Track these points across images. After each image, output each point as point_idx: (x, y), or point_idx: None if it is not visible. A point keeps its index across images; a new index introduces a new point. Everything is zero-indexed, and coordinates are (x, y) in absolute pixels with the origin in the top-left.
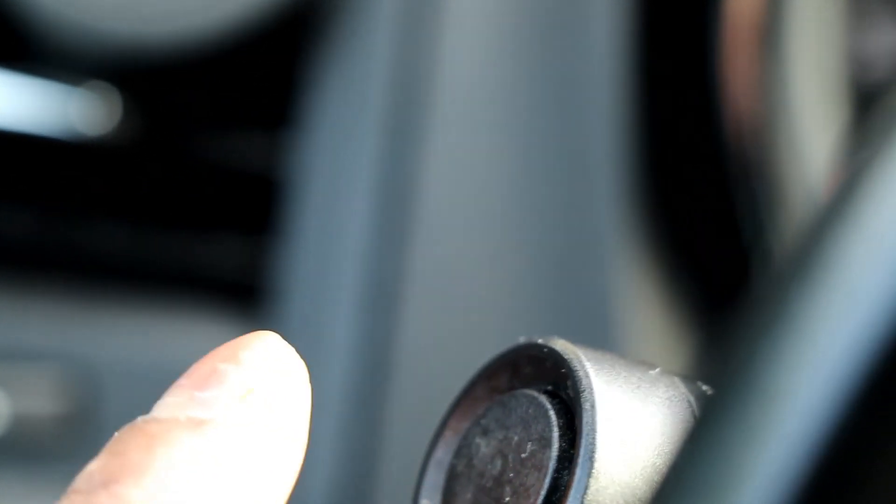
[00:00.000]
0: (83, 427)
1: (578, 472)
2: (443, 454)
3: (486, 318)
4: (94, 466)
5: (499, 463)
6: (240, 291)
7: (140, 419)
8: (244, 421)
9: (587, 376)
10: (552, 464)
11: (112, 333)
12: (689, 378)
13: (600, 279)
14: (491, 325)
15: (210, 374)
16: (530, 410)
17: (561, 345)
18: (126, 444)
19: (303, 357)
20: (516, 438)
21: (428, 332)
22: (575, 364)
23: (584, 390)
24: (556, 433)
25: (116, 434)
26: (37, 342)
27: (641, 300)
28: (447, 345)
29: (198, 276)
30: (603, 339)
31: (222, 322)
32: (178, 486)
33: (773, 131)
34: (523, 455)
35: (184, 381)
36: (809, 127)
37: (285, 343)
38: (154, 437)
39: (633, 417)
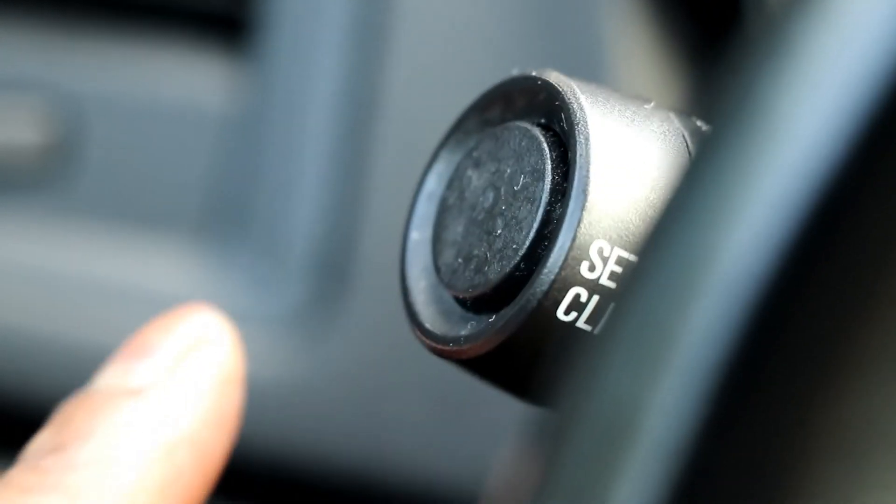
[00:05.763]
0: (67, 157)
1: (571, 204)
2: (434, 186)
3: (478, 52)
4: (41, 438)
5: (491, 195)
6: (226, 23)
7: (81, 391)
8: (174, 388)
9: (581, 109)
10: (545, 196)
11: (96, 64)
12: (684, 113)
13: (594, 17)
14: (483, 59)
15: (143, 345)
16: (523, 143)
17: (555, 77)
18: (70, 414)
19: (291, 88)
20: (508, 171)
21: (418, 66)
22: (569, 96)
23: (578, 123)
24: (549, 165)
25: (59, 407)
26: (19, 72)
27: (634, 38)
28: (438, 77)
29: (182, 6)
30: (595, 76)
31: (207, 55)
32: (120, 446)
33: None
34: (516, 188)
35: (120, 353)
36: None
37: (216, 315)
38: (96, 406)
39: (627, 151)
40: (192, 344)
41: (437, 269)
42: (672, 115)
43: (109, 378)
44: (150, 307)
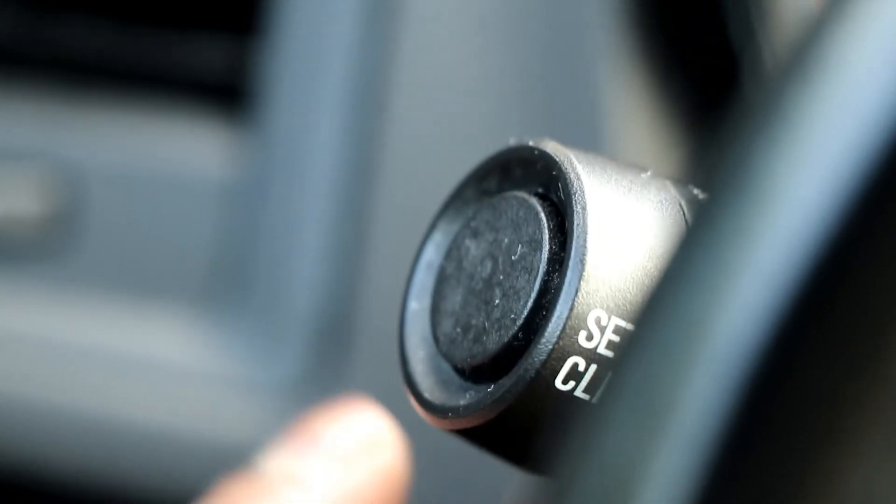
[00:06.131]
0: (67, 226)
1: (569, 274)
2: (432, 255)
3: (477, 119)
4: None
5: (489, 265)
6: (225, 93)
7: (244, 473)
8: (337, 481)
9: (578, 178)
10: (542, 266)
11: (96, 134)
12: (681, 181)
13: (590, 82)
14: (482, 126)
15: (309, 434)
16: (520, 212)
17: (552, 147)
18: (233, 495)
19: (290, 156)
20: (506, 241)
21: (417, 133)
22: (566, 166)
23: (574, 192)
24: (546, 235)
25: (221, 484)
26: (19, 142)
27: (632, 105)
28: (437, 144)
29: (182, 76)
30: (593, 144)
31: (206, 124)
32: None
33: None
34: (513, 257)
35: (285, 439)
36: None
37: (380, 414)
38: (259, 489)
39: (624, 220)
40: (364, 443)
41: (436, 338)
42: (669, 184)
43: (273, 463)
44: (152, 376)
